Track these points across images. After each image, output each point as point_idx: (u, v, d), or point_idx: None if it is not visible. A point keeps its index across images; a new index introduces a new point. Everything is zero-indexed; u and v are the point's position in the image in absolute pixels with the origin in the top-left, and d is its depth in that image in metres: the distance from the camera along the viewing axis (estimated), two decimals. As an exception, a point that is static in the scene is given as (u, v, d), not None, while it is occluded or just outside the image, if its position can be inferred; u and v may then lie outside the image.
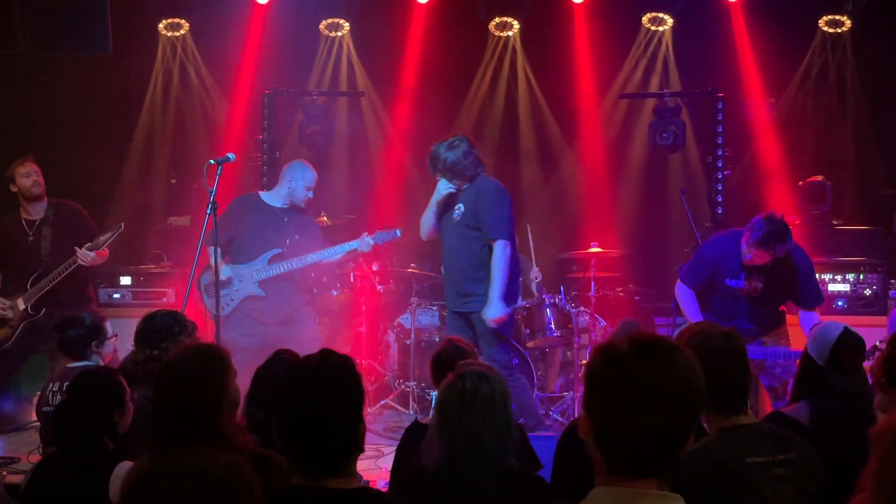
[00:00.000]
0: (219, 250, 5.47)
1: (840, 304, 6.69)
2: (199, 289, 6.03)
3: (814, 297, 5.31)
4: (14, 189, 6.17)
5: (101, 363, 4.51)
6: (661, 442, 1.60)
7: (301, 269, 6.09)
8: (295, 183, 6.09)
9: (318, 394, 2.24)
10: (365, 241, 6.08)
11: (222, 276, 5.85)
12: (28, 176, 6.12)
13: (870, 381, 3.28)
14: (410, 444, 3.68)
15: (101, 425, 3.16)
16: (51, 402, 4.30)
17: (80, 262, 5.94)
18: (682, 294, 5.42)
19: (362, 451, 2.31)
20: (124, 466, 2.97)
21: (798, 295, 5.26)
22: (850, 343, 3.27)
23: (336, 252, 6.19)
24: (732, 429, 2.60)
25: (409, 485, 2.91)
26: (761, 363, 5.31)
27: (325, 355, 2.36)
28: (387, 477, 4.96)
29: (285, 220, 6.10)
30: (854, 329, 3.36)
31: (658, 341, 1.68)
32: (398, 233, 6.15)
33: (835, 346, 3.24)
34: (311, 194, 6.16)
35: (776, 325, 5.39)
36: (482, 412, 2.78)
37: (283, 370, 3.40)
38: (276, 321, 6.01)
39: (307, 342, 5.87)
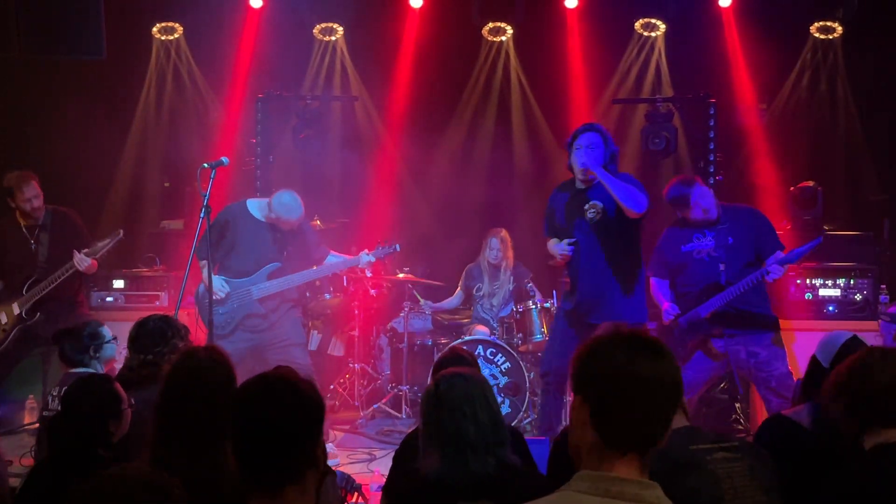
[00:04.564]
0: (210, 265, 5.44)
1: (831, 309, 6.72)
2: (196, 304, 6.02)
3: (772, 245, 5.38)
4: (12, 204, 6.20)
5: (102, 368, 4.53)
6: (655, 424, 1.89)
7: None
8: (278, 217, 5.95)
9: (259, 410, 2.15)
10: (365, 259, 6.15)
11: (221, 294, 5.82)
12: (28, 202, 6.15)
13: None
14: (408, 451, 3.68)
15: (94, 434, 3.13)
16: (49, 406, 4.34)
17: (77, 266, 5.98)
18: (653, 286, 5.65)
19: (324, 470, 2.20)
20: None
21: (759, 247, 5.35)
22: (855, 349, 3.29)
23: (335, 267, 6.29)
24: (674, 430, 2.75)
25: (409, 493, 2.92)
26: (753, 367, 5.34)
27: (279, 374, 2.27)
28: (380, 480, 4.98)
29: (279, 233, 6.02)
30: (861, 338, 3.39)
31: (653, 339, 1.93)
32: (397, 247, 6.18)
33: (840, 351, 3.27)
34: (294, 225, 6.02)
35: (765, 322, 5.40)
36: (461, 408, 2.84)
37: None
38: (265, 328, 6.00)
39: (290, 346, 5.89)
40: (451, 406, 2.85)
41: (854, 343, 3.32)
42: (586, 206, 5.16)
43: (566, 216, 5.27)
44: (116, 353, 4.74)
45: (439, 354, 4.09)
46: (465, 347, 6.55)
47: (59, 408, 3.49)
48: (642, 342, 1.90)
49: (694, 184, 5.49)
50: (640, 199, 5.00)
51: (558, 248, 5.24)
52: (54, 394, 4.35)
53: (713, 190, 7.27)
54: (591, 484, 1.85)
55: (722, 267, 5.32)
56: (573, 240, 5.19)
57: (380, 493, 4.73)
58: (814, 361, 3.38)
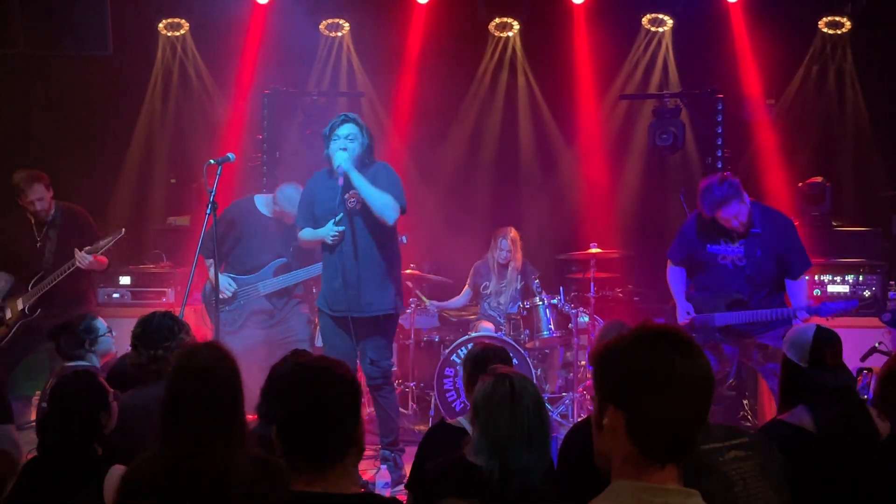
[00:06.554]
0: (216, 262, 5.44)
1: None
2: (203, 303, 6.02)
3: (800, 264, 5.31)
4: (21, 203, 6.18)
5: (98, 362, 4.54)
6: (694, 426, 1.76)
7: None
8: (282, 210, 6.01)
9: (315, 392, 2.26)
10: None
11: (228, 293, 5.83)
12: (32, 204, 6.12)
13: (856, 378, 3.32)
14: (435, 443, 3.70)
15: (86, 429, 3.14)
16: (44, 400, 4.36)
17: (78, 264, 5.97)
18: (670, 275, 5.59)
19: (362, 449, 2.33)
20: (118, 470, 2.95)
21: (785, 263, 5.27)
22: (826, 340, 3.26)
23: None
24: None
25: (452, 480, 2.95)
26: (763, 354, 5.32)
27: (320, 360, 2.41)
28: (386, 477, 4.97)
29: (285, 228, 6.03)
30: (826, 326, 3.34)
31: (685, 335, 1.81)
32: (404, 239, 6.15)
33: (813, 346, 3.22)
34: None
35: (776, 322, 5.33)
36: (535, 409, 2.92)
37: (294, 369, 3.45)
38: (272, 324, 6.02)
39: (296, 342, 5.90)
40: (526, 406, 2.91)
41: (823, 334, 3.26)
42: (346, 196, 5.19)
43: (327, 205, 5.26)
44: (114, 346, 4.73)
45: (476, 346, 4.00)
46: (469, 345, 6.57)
47: (46, 409, 3.49)
48: (676, 340, 1.77)
49: (739, 193, 5.20)
50: (391, 212, 5.10)
51: (325, 231, 5.19)
52: (48, 388, 4.37)
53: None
54: (632, 495, 1.73)
55: (746, 280, 5.26)
56: (340, 227, 5.20)
57: (387, 491, 4.75)
58: (788, 364, 3.29)
